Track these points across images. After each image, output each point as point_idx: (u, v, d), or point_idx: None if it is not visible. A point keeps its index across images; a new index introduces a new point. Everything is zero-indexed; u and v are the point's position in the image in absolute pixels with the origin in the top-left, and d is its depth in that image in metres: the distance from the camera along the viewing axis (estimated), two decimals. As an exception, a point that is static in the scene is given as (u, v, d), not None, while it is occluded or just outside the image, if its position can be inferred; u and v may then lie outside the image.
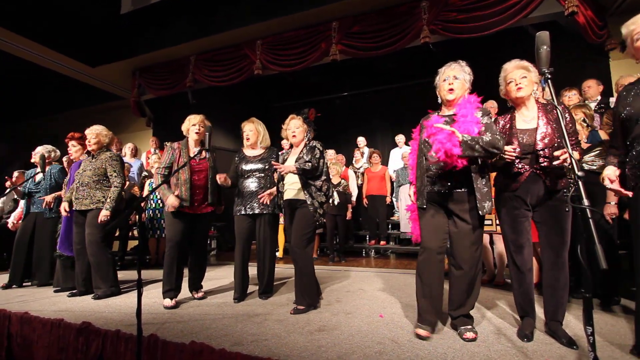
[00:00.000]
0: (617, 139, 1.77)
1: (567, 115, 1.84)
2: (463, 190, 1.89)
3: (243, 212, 2.84)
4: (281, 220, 5.05)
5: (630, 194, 1.61)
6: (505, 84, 1.95)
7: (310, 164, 2.45)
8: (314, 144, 2.58)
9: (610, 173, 1.67)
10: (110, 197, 2.98)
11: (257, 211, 2.81)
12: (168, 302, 2.64)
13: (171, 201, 2.62)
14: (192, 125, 2.81)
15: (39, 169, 3.65)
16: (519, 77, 1.87)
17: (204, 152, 2.77)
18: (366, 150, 6.28)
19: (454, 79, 1.93)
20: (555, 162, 1.63)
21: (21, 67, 5.94)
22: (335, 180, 4.94)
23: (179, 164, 2.74)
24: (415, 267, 1.99)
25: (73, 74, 5.91)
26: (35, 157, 3.68)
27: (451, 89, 1.93)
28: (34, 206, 3.68)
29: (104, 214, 2.91)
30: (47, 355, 2.22)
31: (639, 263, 1.59)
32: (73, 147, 3.50)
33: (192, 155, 2.78)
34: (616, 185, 1.65)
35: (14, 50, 5.10)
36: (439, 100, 2.06)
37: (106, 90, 6.52)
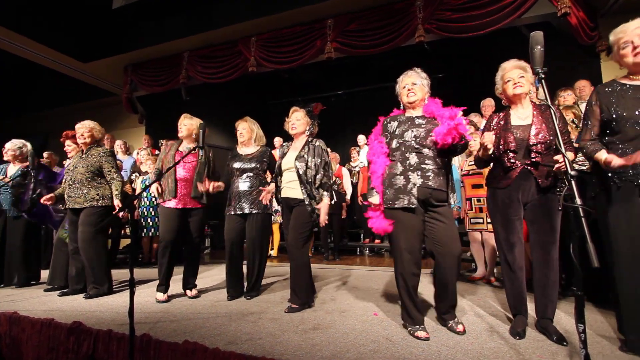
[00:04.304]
0: (589, 134, 1.80)
1: (558, 114, 1.86)
2: (443, 190, 1.96)
3: (232, 212, 2.81)
4: (279, 218, 5.09)
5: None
6: (502, 83, 1.98)
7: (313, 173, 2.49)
8: (317, 144, 2.54)
9: (611, 155, 1.63)
10: (116, 190, 3.02)
11: (246, 211, 2.78)
12: (160, 295, 2.66)
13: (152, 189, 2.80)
14: (178, 126, 2.98)
15: (11, 165, 3.57)
16: (517, 76, 1.91)
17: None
18: (365, 149, 6.28)
19: (413, 85, 2.09)
20: (555, 167, 1.65)
21: (11, 63, 5.82)
22: (329, 178, 4.93)
23: (167, 158, 2.90)
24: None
25: (64, 70, 5.79)
26: (10, 154, 3.55)
27: (412, 94, 2.08)
28: (4, 204, 3.53)
29: (117, 204, 2.98)
30: (37, 355, 2.19)
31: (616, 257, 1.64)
32: (69, 147, 3.42)
33: (182, 150, 2.92)
34: (626, 159, 1.56)
35: (2, 45, 4.98)
36: (401, 106, 2.20)
37: (98, 86, 6.42)
